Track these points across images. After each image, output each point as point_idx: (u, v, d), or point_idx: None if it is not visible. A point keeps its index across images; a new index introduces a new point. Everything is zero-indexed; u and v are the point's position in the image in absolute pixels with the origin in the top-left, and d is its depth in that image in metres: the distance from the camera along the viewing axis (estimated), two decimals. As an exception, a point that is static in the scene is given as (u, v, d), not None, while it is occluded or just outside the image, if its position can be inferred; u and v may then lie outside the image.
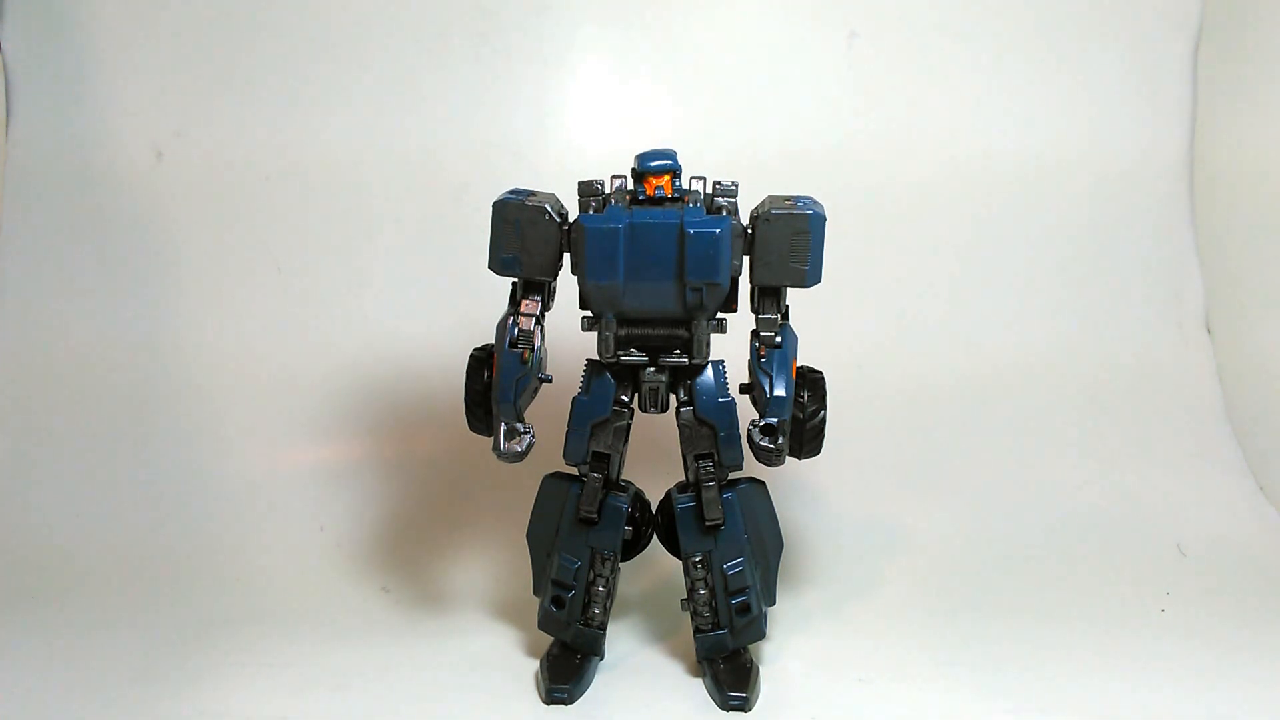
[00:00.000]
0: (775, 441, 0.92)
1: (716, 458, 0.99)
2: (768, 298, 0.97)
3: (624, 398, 0.99)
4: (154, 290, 1.48)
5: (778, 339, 0.96)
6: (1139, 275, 1.55)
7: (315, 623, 1.16)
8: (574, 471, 1.03)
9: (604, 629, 1.05)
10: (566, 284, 0.98)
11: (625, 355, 0.97)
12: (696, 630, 1.04)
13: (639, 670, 1.08)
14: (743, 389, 0.97)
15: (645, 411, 0.99)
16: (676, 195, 0.94)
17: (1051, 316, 1.53)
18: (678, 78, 1.53)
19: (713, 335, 0.97)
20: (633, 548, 1.06)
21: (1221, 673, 1.07)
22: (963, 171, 1.54)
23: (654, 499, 1.07)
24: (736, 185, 0.96)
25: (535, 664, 1.07)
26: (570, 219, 0.97)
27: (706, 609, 1.03)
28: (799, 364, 0.97)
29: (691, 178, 0.96)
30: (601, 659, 1.07)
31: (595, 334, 0.97)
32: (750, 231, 0.95)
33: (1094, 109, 1.54)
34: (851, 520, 1.36)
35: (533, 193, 0.98)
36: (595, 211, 0.95)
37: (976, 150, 1.54)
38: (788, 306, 0.98)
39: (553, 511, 1.04)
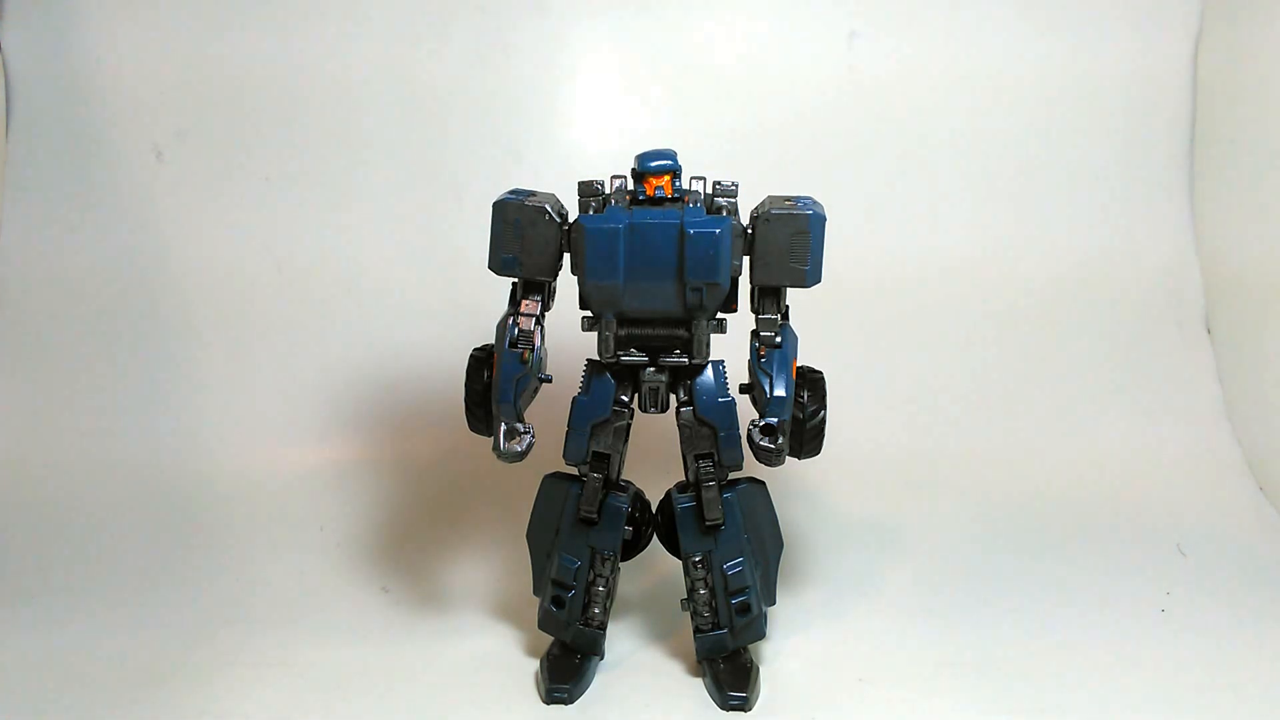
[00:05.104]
0: (775, 441, 0.92)
1: (716, 458, 0.99)
2: (768, 298, 0.97)
3: (624, 398, 0.99)
4: (153, 290, 1.48)
5: (778, 339, 0.96)
6: (1139, 275, 1.55)
7: (315, 623, 1.16)
8: (574, 471, 1.03)
9: (604, 629, 1.05)
10: (566, 284, 0.98)
11: (625, 355, 0.97)
12: (696, 630, 1.04)
13: (639, 670, 1.08)
14: (743, 389, 0.97)
15: (645, 411, 0.99)
16: (676, 195, 0.94)
17: (1050, 317, 1.53)
18: (678, 77, 1.53)
19: (713, 335, 0.97)
20: (633, 548, 1.06)
21: (1221, 673, 1.07)
22: (960, 175, 1.54)
23: (654, 499, 1.07)
24: (736, 185, 0.96)
25: (535, 664, 1.07)
26: (570, 219, 0.97)
27: (706, 609, 1.03)
28: (799, 364, 0.97)
29: (691, 178, 0.96)
30: (601, 659, 1.07)
31: (595, 334, 0.97)
32: (750, 231, 0.95)
33: (1091, 109, 1.54)
34: (851, 520, 1.36)
35: (533, 193, 0.98)
36: (595, 212, 0.95)
37: (973, 154, 1.54)
38: (788, 306, 0.98)
39: (553, 511, 1.04)
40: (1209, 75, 1.53)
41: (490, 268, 0.98)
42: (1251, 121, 1.47)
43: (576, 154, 1.49)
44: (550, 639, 1.07)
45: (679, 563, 1.04)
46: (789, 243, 0.95)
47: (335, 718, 1.01)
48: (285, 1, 1.49)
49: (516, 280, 0.99)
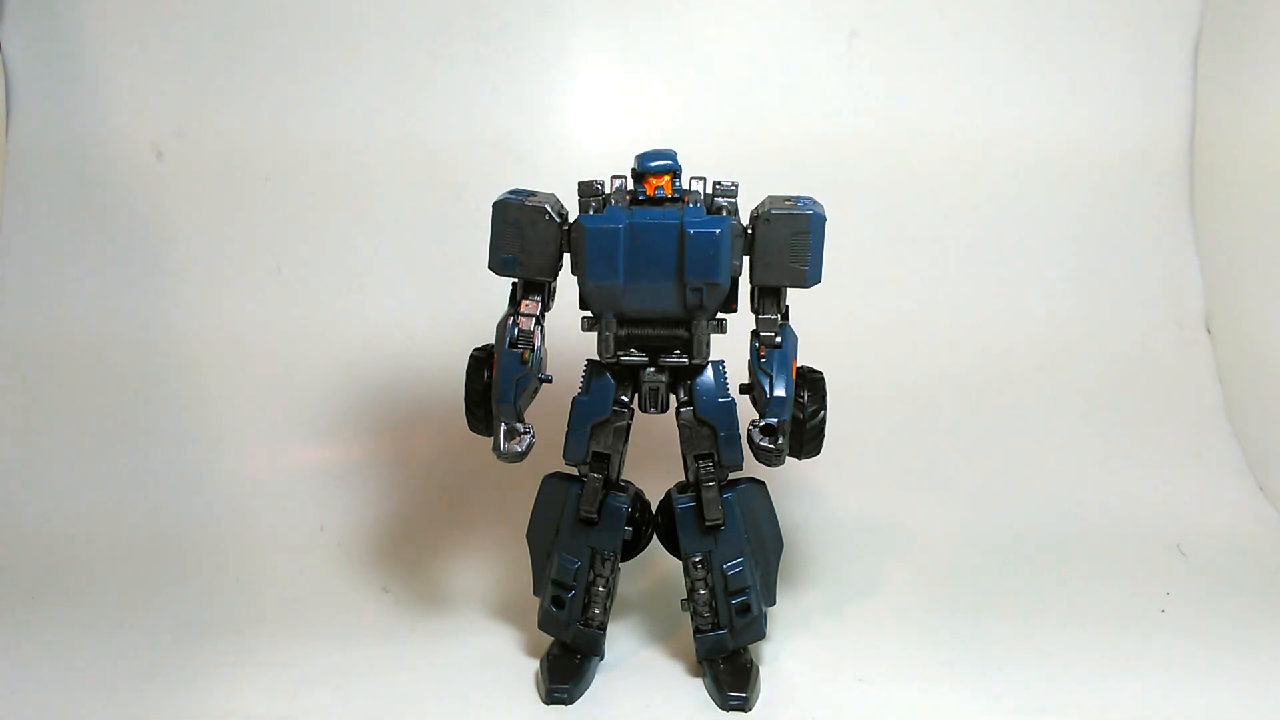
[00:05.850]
0: (775, 442, 0.92)
1: (716, 458, 0.99)
2: (768, 298, 0.97)
3: (624, 398, 0.99)
4: (154, 290, 1.48)
5: (778, 339, 0.96)
6: (1139, 274, 1.55)
7: (315, 623, 1.16)
8: (574, 471, 1.03)
9: (604, 629, 1.05)
10: (566, 284, 0.98)
11: (625, 355, 0.97)
12: (696, 630, 1.04)
13: (639, 670, 1.08)
14: (743, 389, 0.97)
15: (645, 412, 0.99)
16: (676, 195, 0.94)
17: (1051, 316, 1.53)
18: (678, 77, 1.53)
19: (713, 335, 0.97)
20: (633, 548, 1.06)
21: (1221, 672, 1.07)
22: (962, 173, 1.54)
23: (654, 499, 1.07)
24: (736, 185, 0.96)
25: (535, 664, 1.07)
26: (570, 219, 0.97)
27: (706, 609, 1.03)
28: (799, 364, 0.97)
29: (691, 178, 0.96)
30: (601, 659, 1.07)
31: (595, 334, 0.97)
32: (750, 231, 0.95)
33: (1092, 110, 1.54)
34: (851, 520, 1.36)
35: (533, 193, 0.98)
36: (595, 212, 0.95)
37: (976, 151, 1.54)
38: (788, 307, 0.98)
39: (553, 512, 1.04)
40: (1209, 73, 1.53)
41: (490, 268, 0.98)
42: (1252, 121, 1.47)
43: (576, 154, 1.49)
44: (550, 639, 1.07)
45: (679, 563, 1.04)
46: (789, 243, 0.95)
47: (335, 718, 1.01)
48: (286, 2, 1.49)
49: (516, 280, 0.99)
